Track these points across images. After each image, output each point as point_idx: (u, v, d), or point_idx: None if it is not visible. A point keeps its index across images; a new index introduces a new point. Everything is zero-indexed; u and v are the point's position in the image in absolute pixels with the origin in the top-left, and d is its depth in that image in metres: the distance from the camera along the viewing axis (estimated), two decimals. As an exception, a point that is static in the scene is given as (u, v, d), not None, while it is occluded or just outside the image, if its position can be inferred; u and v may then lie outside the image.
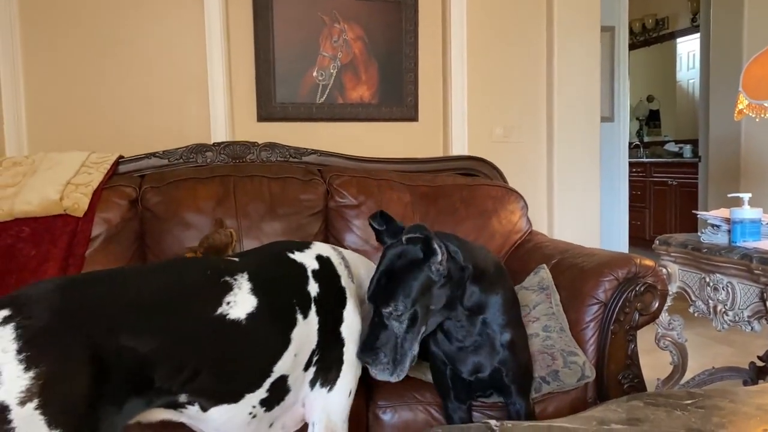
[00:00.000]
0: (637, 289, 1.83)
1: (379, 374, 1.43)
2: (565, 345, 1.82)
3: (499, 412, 1.69)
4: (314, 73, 2.97)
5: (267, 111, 2.92)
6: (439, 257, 1.39)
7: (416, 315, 1.40)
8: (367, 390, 1.74)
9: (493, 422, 1.20)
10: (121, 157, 2.36)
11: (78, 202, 2.12)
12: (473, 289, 1.50)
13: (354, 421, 1.67)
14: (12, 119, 2.64)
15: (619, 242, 4.80)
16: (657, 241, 2.48)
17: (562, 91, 3.14)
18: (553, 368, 1.76)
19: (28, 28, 2.63)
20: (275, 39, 2.90)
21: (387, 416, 1.71)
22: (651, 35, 7.10)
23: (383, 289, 1.40)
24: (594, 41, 3.22)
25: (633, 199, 5.53)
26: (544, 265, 2.02)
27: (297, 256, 1.43)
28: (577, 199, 3.19)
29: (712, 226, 2.30)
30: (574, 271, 1.95)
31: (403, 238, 1.42)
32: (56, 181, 2.15)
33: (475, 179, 2.49)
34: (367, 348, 1.41)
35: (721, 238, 2.25)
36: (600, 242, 3.24)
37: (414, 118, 3.06)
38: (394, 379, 1.43)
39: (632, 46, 6.19)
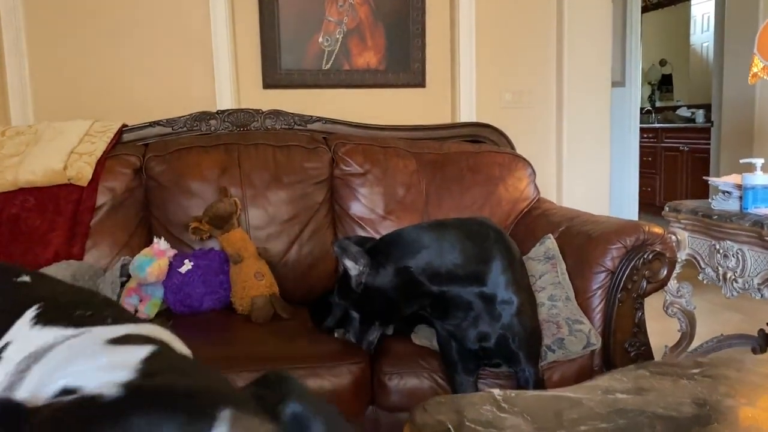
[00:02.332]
0: (645, 256, 1.81)
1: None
2: (570, 313, 1.81)
3: (506, 381, 1.69)
4: (320, 39, 2.92)
5: (272, 78, 2.88)
6: (353, 272, 1.53)
7: (360, 310, 1.60)
8: (373, 356, 1.74)
9: (496, 391, 1.20)
10: (124, 125, 2.34)
11: (82, 172, 2.11)
12: (440, 274, 1.51)
13: (359, 387, 1.69)
14: (17, 88, 2.62)
15: (629, 209, 4.76)
16: (667, 208, 2.44)
17: (572, 54, 3.07)
18: (558, 336, 1.75)
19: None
20: (279, 4, 2.84)
21: (393, 382, 1.71)
22: (665, -3, 6.93)
23: (338, 284, 1.67)
24: (606, 3, 3.14)
25: (643, 165, 5.47)
26: (550, 235, 2.00)
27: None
28: (586, 166, 3.15)
29: (723, 192, 2.26)
30: (581, 239, 1.92)
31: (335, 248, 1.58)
32: (60, 151, 2.14)
33: (481, 146, 2.45)
34: (346, 327, 1.73)
35: (732, 205, 2.21)
36: (609, 209, 3.20)
37: (421, 83, 3.01)
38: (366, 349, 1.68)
39: (645, 9, 6.04)
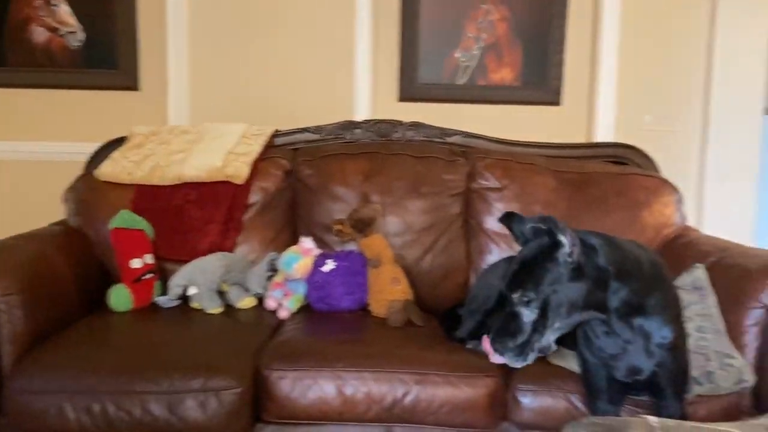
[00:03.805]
0: (811, 295, 1.69)
1: (507, 360, 1.47)
2: (720, 347, 1.72)
3: (647, 411, 1.63)
4: (457, 54, 2.97)
5: (408, 91, 2.96)
6: (566, 249, 1.38)
7: (546, 304, 1.41)
8: (507, 372, 1.74)
9: (652, 419, 1.16)
10: (276, 130, 2.49)
11: (239, 170, 2.27)
12: (621, 291, 1.45)
13: (493, 401, 1.70)
14: (176, 91, 2.86)
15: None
16: (828, 246, 2.26)
17: (721, 77, 2.92)
18: (707, 369, 1.67)
19: (195, 10, 2.83)
20: (421, 20, 2.92)
21: (527, 399, 1.71)
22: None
23: (514, 276, 1.44)
24: (763, 23, 2.96)
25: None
26: (701, 265, 1.91)
27: None
28: (730, 195, 2.97)
29: None
30: (735, 272, 1.82)
31: (527, 227, 1.45)
32: (220, 150, 2.32)
33: (625, 168, 2.39)
34: (499, 335, 1.45)
35: None
36: (757, 242, 3.00)
37: (556, 101, 2.98)
38: (519, 364, 1.46)
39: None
